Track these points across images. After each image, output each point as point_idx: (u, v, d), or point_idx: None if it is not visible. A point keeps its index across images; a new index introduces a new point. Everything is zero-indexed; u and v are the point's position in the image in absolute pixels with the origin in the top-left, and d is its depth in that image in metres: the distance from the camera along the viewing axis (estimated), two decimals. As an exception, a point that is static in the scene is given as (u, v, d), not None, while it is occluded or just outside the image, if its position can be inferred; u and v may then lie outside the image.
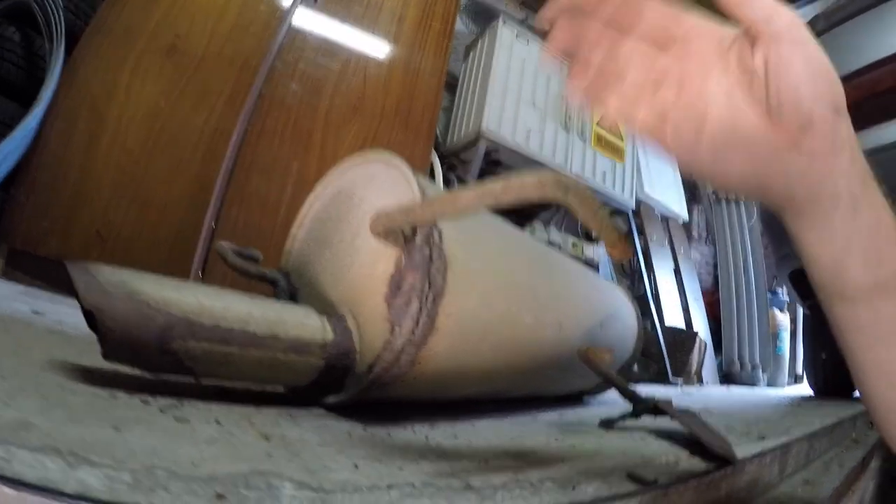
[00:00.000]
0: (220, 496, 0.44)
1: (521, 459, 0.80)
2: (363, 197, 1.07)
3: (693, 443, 0.99)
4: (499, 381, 1.18)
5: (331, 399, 0.97)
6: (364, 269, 1.02)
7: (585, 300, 1.41)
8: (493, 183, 0.66)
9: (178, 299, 0.77)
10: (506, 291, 1.06)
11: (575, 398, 1.80)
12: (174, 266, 2.09)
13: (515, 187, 0.63)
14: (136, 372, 0.77)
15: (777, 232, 2.83)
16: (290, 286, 1.23)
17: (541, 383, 1.37)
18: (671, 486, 0.73)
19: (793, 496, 1.12)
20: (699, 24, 0.50)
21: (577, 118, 4.07)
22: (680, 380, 4.27)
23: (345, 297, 1.05)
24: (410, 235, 0.88)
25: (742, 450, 1.06)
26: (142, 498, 0.42)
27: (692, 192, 7.26)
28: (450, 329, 0.93)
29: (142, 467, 0.45)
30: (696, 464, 0.90)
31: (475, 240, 1.03)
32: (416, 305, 0.87)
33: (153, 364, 0.77)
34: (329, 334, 0.95)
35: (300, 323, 0.92)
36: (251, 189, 2.31)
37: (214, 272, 2.10)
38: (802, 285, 3.14)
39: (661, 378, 4.20)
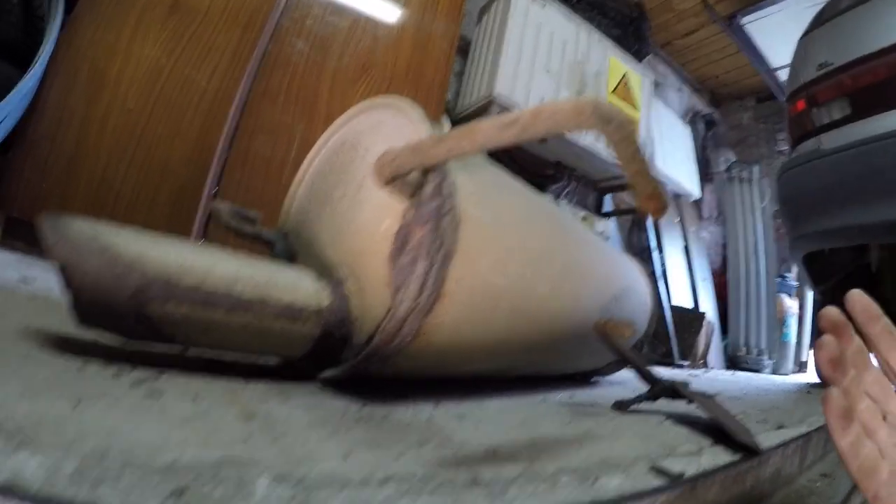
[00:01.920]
0: (178, 492, 0.38)
1: (534, 447, 0.72)
2: (368, 147, 0.96)
3: (714, 430, 0.92)
4: (509, 357, 1.10)
5: (327, 373, 0.89)
6: (367, 226, 0.92)
7: (601, 271, 1.32)
8: (519, 112, 0.57)
9: (156, 256, 0.69)
10: (521, 256, 0.97)
11: (585, 378, 1.73)
12: (174, 230, 2.00)
13: (547, 115, 0.54)
14: (117, 341, 0.71)
15: (794, 213, 2.75)
16: (288, 248, 1.16)
17: (553, 360, 1.29)
18: (698, 480, 0.65)
19: (812, 490, 1.04)
20: None
21: (593, 87, 3.95)
22: (686, 362, 4.20)
23: (345, 258, 0.95)
24: (420, 182, 0.77)
25: (763, 439, 0.98)
26: (82, 492, 0.36)
27: (705, 169, 7.15)
28: (459, 296, 0.84)
29: (92, 452, 0.40)
30: (720, 454, 0.82)
31: (491, 197, 0.93)
32: (423, 265, 0.77)
33: (129, 330, 0.70)
34: (325, 300, 0.86)
35: (293, 286, 0.83)
36: (254, 151, 2.22)
37: (215, 237, 2.00)
38: (816, 269, 3.07)
39: (669, 360, 4.14)
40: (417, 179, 0.78)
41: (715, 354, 5.11)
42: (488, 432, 0.78)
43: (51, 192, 1.89)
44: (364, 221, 0.91)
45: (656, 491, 0.59)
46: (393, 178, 0.73)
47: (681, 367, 4.02)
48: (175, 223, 2.05)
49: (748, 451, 0.84)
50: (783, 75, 2.97)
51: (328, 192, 1.05)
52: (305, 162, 1.20)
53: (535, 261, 1.00)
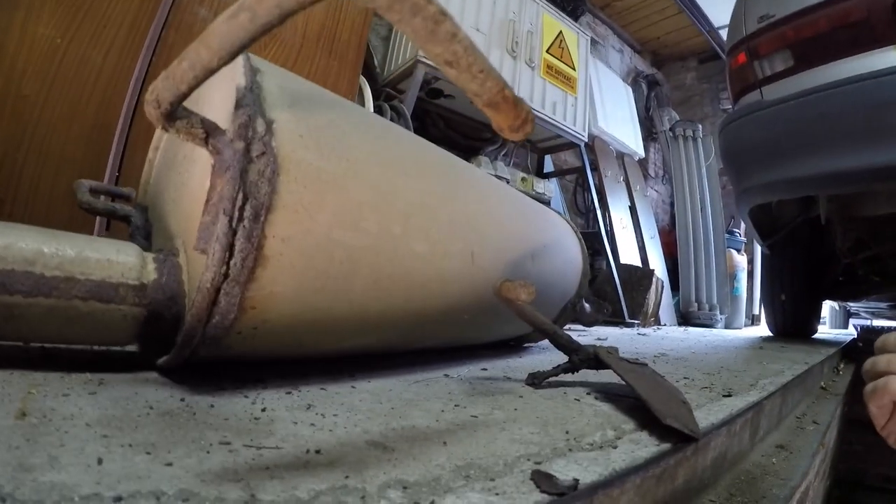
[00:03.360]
0: None
1: (381, 446, 0.53)
2: (205, 99, 0.79)
3: (643, 407, 0.73)
4: (388, 330, 0.90)
5: (160, 361, 0.73)
6: (195, 187, 0.76)
7: (510, 226, 1.13)
8: None
9: None
10: (385, 210, 0.77)
11: (513, 346, 1.55)
12: (77, 219, 1.84)
13: None
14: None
15: (738, 167, 2.68)
16: (146, 222, 1.02)
17: (454, 330, 1.09)
18: (598, 491, 0.46)
19: (766, 469, 0.88)
20: None
21: (526, 45, 3.78)
22: (637, 321, 4.11)
23: (180, 226, 0.80)
24: (201, 122, 0.59)
25: (705, 413, 0.81)
26: None
27: (649, 129, 7.11)
28: (290, 259, 0.65)
29: None
30: (644, 442, 0.63)
31: (337, 140, 0.74)
32: (224, 223, 0.58)
33: None
34: (150, 274, 0.71)
35: (106, 261, 0.68)
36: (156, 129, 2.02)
37: (122, 225, 1.87)
38: (763, 223, 3.02)
39: (618, 319, 4.04)
40: (206, 119, 0.59)
41: (666, 312, 5.07)
42: (330, 426, 0.60)
43: None
44: (195, 182, 0.77)
45: (522, 518, 0.39)
46: (169, 118, 0.53)
47: (631, 325, 3.93)
48: (76, 211, 1.82)
49: (681, 437, 0.65)
50: (726, 33, 2.92)
51: (175, 154, 0.92)
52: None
53: (407, 215, 0.81)
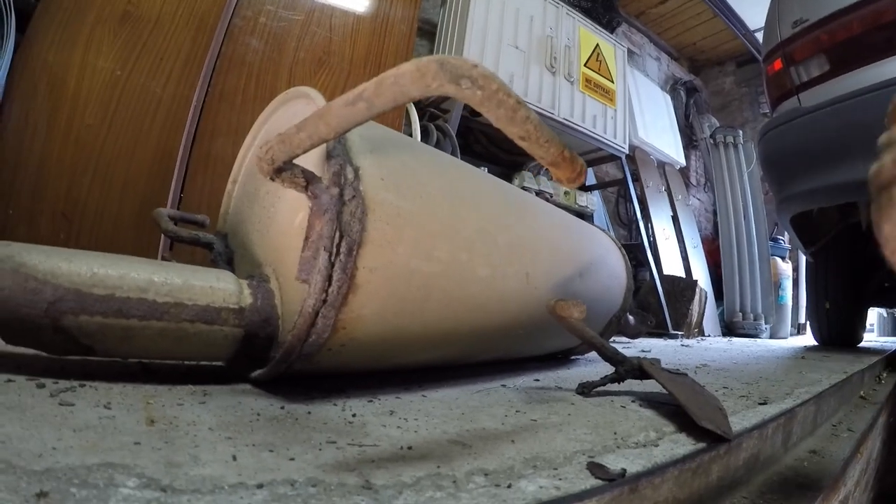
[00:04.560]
0: (42, 494, 0.38)
1: (458, 443, 0.64)
2: None
3: (682, 414, 0.83)
4: (455, 346, 1.01)
5: (255, 374, 0.85)
6: (285, 221, 0.89)
7: (560, 247, 1.23)
8: (364, 84, 0.49)
9: (67, 269, 0.69)
10: (453, 239, 0.89)
11: (561, 359, 1.65)
12: (142, 241, 2.00)
13: (390, 82, 0.47)
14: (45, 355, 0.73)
15: (778, 175, 2.69)
16: (227, 249, 1.13)
17: (510, 345, 1.20)
18: (642, 479, 0.56)
19: (798, 471, 0.95)
20: None
21: (565, 60, 3.87)
22: (681, 332, 4.13)
23: (269, 256, 0.92)
24: (302, 173, 0.71)
25: (740, 419, 0.90)
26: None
27: (689, 137, 7.09)
28: (376, 286, 0.77)
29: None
30: (682, 442, 0.73)
31: (411, 179, 0.85)
32: (324, 258, 0.70)
33: (49, 344, 0.71)
34: (247, 299, 0.83)
35: (209, 288, 0.80)
36: (215, 154, 2.18)
37: (185, 246, 2.00)
38: (805, 231, 3.01)
39: (661, 331, 4.07)
40: (307, 169, 0.72)
41: (710, 322, 5.05)
42: (414, 428, 0.70)
43: (18, 215, 1.87)
44: (283, 217, 0.89)
45: (582, 495, 0.49)
46: (277, 171, 0.65)
47: (675, 337, 3.96)
48: (141, 234, 2.02)
49: (715, 437, 0.74)
50: (762, 37, 2.91)
51: (256, 189, 1.03)
52: (237, 161, 1.17)
53: (471, 242, 0.92)
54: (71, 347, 0.71)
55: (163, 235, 1.96)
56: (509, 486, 0.51)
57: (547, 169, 0.51)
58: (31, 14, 1.96)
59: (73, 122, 1.93)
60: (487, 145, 3.92)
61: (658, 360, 1.08)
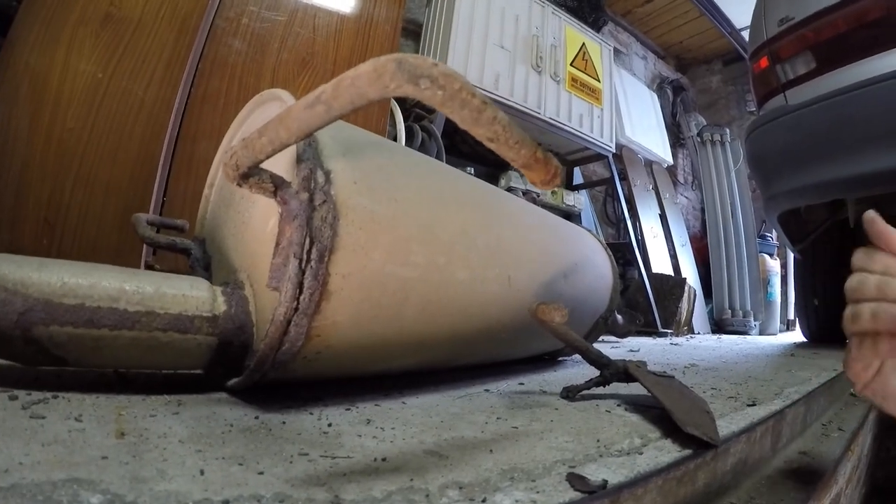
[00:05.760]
0: None
1: (433, 454, 0.61)
2: None
3: (669, 416, 0.81)
4: (434, 351, 0.99)
5: (230, 383, 0.82)
6: (257, 227, 0.87)
7: (543, 249, 1.21)
8: (322, 87, 0.47)
9: (38, 279, 0.68)
10: (430, 243, 0.86)
11: (548, 360, 1.63)
12: (126, 245, 1.98)
13: (347, 84, 0.44)
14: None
15: (765, 173, 2.69)
16: (204, 255, 1.11)
17: (493, 348, 1.18)
18: (623, 490, 0.54)
19: (787, 473, 0.93)
20: None
21: (551, 59, 3.86)
22: (670, 330, 4.13)
23: (243, 262, 0.89)
24: (270, 178, 0.69)
25: (728, 422, 0.88)
26: None
27: (676, 135, 7.11)
28: (349, 293, 0.75)
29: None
30: (668, 449, 0.71)
31: (385, 182, 0.83)
32: (294, 265, 0.68)
33: (20, 355, 0.69)
34: (221, 307, 0.81)
35: (182, 296, 0.78)
36: (199, 157, 2.15)
37: (167, 253, 1.98)
38: (792, 228, 3.02)
39: (651, 329, 4.07)
40: (275, 174, 0.70)
41: (700, 320, 5.06)
42: (390, 438, 0.68)
43: (1, 222, 1.83)
44: (256, 223, 0.87)
45: (561, 511, 0.47)
46: (243, 177, 0.63)
47: (664, 335, 3.95)
48: (124, 238, 1.99)
49: (701, 444, 0.72)
50: (748, 35, 2.92)
51: (232, 194, 1.01)
52: (214, 165, 1.15)
53: (450, 246, 0.90)
54: (43, 358, 0.69)
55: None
56: (484, 501, 0.48)
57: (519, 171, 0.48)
58: (13, 16, 1.93)
59: (55, 125, 1.90)
60: (474, 146, 3.90)
61: (644, 363, 1.06)
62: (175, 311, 0.76)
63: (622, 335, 1.85)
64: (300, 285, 0.69)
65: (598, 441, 0.72)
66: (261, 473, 0.51)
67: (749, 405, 1.05)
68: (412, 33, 3.97)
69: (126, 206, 1.98)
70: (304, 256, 0.68)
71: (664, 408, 0.82)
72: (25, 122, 1.87)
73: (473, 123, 0.43)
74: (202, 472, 0.50)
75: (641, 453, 0.68)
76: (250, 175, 0.65)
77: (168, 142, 2.09)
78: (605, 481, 0.55)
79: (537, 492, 0.51)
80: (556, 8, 4.06)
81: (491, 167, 3.98)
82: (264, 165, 0.67)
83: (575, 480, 0.54)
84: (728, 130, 6.66)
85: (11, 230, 1.83)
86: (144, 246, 1.98)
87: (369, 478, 0.52)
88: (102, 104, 1.98)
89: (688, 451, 0.70)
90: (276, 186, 0.69)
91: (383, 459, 0.58)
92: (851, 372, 0.64)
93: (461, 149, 3.85)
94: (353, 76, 0.43)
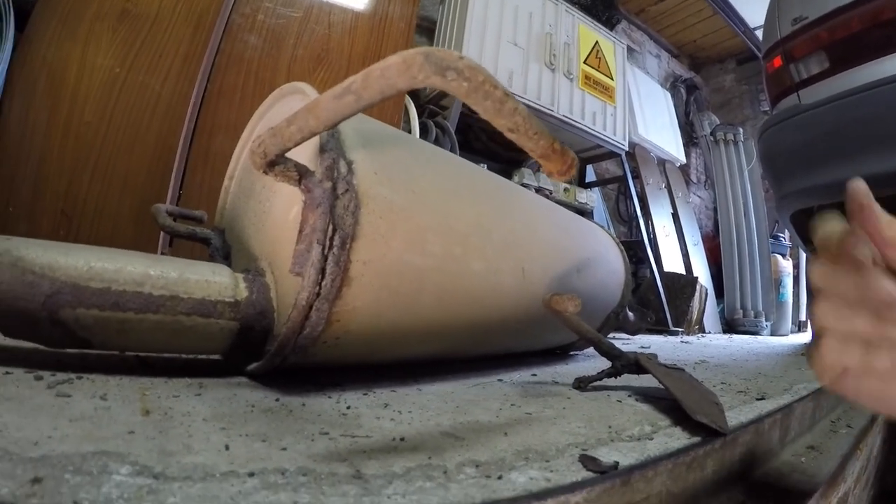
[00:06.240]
0: (37, 480, 0.39)
1: (450, 435, 0.64)
2: None
3: (678, 408, 0.83)
4: (449, 339, 1.01)
5: (251, 367, 0.85)
6: (280, 215, 0.89)
7: (556, 243, 1.23)
8: (352, 77, 0.49)
9: (65, 263, 0.69)
10: (447, 233, 0.88)
11: (560, 354, 1.65)
12: (142, 238, 2.01)
13: (377, 75, 0.47)
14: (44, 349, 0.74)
15: (777, 172, 2.69)
16: (224, 244, 1.14)
17: (506, 339, 1.20)
18: (634, 472, 0.56)
19: (794, 467, 0.95)
20: None
21: (564, 57, 3.87)
22: (681, 329, 4.13)
23: (264, 249, 0.92)
24: (295, 167, 0.71)
25: (736, 414, 0.89)
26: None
27: (689, 134, 7.08)
28: (369, 280, 0.77)
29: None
30: (677, 436, 0.73)
31: (404, 173, 0.85)
32: (317, 251, 0.70)
33: (47, 337, 0.71)
34: (242, 292, 0.83)
35: (205, 281, 0.80)
36: (215, 150, 2.19)
37: (184, 243, 1.99)
38: (805, 228, 3.01)
39: (661, 327, 4.07)
40: (300, 163, 0.72)
41: (711, 319, 5.05)
42: (408, 420, 0.70)
43: (18, 213, 1.87)
44: (278, 211, 0.89)
45: (573, 487, 0.49)
46: (270, 165, 0.65)
47: (675, 333, 3.95)
48: (141, 231, 2.02)
49: (710, 431, 0.74)
50: (761, 35, 2.92)
51: (252, 184, 1.03)
52: (234, 157, 1.17)
53: (465, 237, 0.92)
54: (68, 340, 0.71)
55: (162, 233, 1.98)
56: (500, 478, 0.50)
57: (537, 162, 0.50)
58: (31, 12, 1.96)
59: (73, 119, 1.94)
60: (487, 142, 3.93)
61: (655, 356, 1.08)
62: (198, 296, 0.78)
63: (633, 332, 1.86)
64: (322, 271, 0.71)
65: (609, 427, 0.74)
66: (284, 450, 0.53)
67: (758, 399, 1.07)
68: (426, 30, 3.99)
69: (143, 200, 2.02)
70: (327, 243, 0.71)
71: (674, 398, 0.84)
72: (43, 116, 1.90)
73: (496, 114, 0.45)
74: (227, 447, 0.52)
75: (652, 439, 0.70)
76: (276, 163, 0.67)
77: (185, 136, 2.12)
78: (617, 463, 0.57)
79: (551, 471, 0.53)
80: (569, 6, 4.07)
81: (504, 164, 4.00)
82: (288, 156, 0.69)
83: (587, 461, 0.56)
84: (741, 130, 6.62)
85: (29, 222, 1.87)
86: (161, 238, 2.02)
87: (389, 455, 0.54)
88: (120, 98, 2.01)
89: (697, 439, 0.72)
90: (301, 175, 0.71)
91: (402, 439, 0.60)
92: (818, 367, 0.60)
93: (474, 145, 3.87)
94: (383, 67, 0.45)
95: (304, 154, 0.76)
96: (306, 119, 0.56)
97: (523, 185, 3.85)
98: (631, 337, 2.75)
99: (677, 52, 7.75)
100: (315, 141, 0.77)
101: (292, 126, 0.58)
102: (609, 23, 4.98)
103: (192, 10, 2.15)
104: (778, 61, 2.67)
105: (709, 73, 8.27)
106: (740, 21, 6.94)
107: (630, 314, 1.72)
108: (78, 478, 0.40)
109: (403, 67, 0.44)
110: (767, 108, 3.04)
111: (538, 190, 3.85)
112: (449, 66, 0.42)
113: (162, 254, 2.01)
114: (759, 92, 7.52)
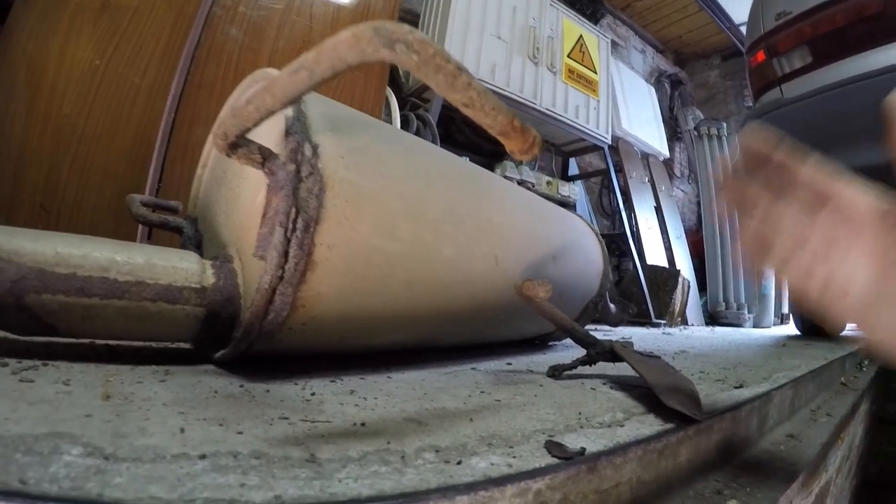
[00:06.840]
0: None
1: (416, 421, 0.62)
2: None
3: (653, 396, 0.81)
4: (420, 327, 1.00)
5: (218, 354, 0.84)
6: (247, 200, 0.87)
7: (531, 231, 1.21)
8: (305, 54, 0.48)
9: (32, 249, 0.69)
10: (417, 219, 0.87)
11: (538, 344, 1.63)
12: (120, 231, 1.96)
13: (328, 50, 0.45)
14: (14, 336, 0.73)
15: None
16: (196, 233, 1.12)
17: (479, 327, 1.18)
18: (601, 458, 0.54)
19: (774, 455, 0.94)
20: (853, 190, 0.54)
21: (547, 50, 3.85)
22: (663, 321, 4.15)
23: (232, 236, 0.90)
24: (258, 150, 0.69)
25: (713, 401, 0.88)
26: None
27: (673, 129, 7.11)
28: (334, 264, 0.75)
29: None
30: (649, 423, 0.72)
31: (372, 157, 0.84)
32: (280, 234, 0.69)
33: (13, 323, 0.70)
34: (209, 279, 0.82)
35: (171, 267, 0.79)
36: (194, 143, 2.15)
37: (163, 235, 1.98)
38: None
39: (644, 320, 4.08)
40: (263, 146, 0.70)
41: (694, 312, 5.07)
42: (372, 406, 0.69)
43: None
44: (246, 196, 0.87)
45: (535, 473, 0.48)
46: (233, 147, 0.64)
47: (657, 325, 3.96)
48: (120, 224, 1.99)
49: (684, 418, 0.73)
50: (746, 30, 2.94)
51: (224, 172, 1.01)
52: (206, 145, 1.15)
53: (437, 223, 0.91)
54: (34, 327, 0.70)
55: (140, 225, 1.96)
56: (459, 463, 0.49)
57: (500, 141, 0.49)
58: (11, 4, 1.93)
59: (52, 111, 1.91)
60: (469, 135, 3.91)
61: (631, 343, 1.07)
62: (164, 282, 0.76)
63: (614, 324, 1.86)
64: (286, 254, 0.70)
65: (580, 414, 0.73)
66: (240, 433, 0.52)
67: (736, 387, 1.06)
68: (409, 23, 3.93)
69: (122, 191, 1.97)
70: (290, 226, 0.69)
71: (647, 385, 0.82)
72: (23, 108, 1.87)
73: (449, 88, 0.43)
74: (182, 430, 0.51)
75: (623, 426, 0.69)
76: (239, 145, 0.66)
77: (164, 127, 2.10)
78: (584, 449, 0.56)
79: (514, 457, 0.52)
80: (553, 0, 4.06)
81: (486, 157, 3.99)
82: (255, 140, 0.68)
83: (553, 447, 0.55)
84: (725, 125, 6.66)
85: (8, 214, 1.84)
86: (140, 230, 2.00)
87: (347, 440, 0.53)
88: (99, 91, 1.98)
89: (670, 425, 0.71)
90: (265, 158, 0.69)
91: (362, 424, 0.59)
92: (748, 245, 0.59)
93: (457, 138, 3.86)
94: (334, 42, 0.44)
95: (270, 138, 0.75)
96: (263, 98, 0.55)
97: (506, 177, 3.84)
98: (612, 328, 2.75)
99: (662, 48, 7.77)
100: (281, 124, 0.76)
101: (250, 105, 0.57)
102: (594, 17, 4.98)
103: (172, 2, 2.13)
104: (761, 55, 2.69)
105: (693, 68, 8.30)
106: (725, 17, 6.97)
107: (612, 306, 1.71)
108: (28, 458, 0.40)
109: (353, 41, 0.42)
110: (751, 104, 3.06)
111: (520, 183, 3.84)
112: (398, 39, 0.41)
113: (162, 246, 1.99)
114: (744, 87, 7.56)
